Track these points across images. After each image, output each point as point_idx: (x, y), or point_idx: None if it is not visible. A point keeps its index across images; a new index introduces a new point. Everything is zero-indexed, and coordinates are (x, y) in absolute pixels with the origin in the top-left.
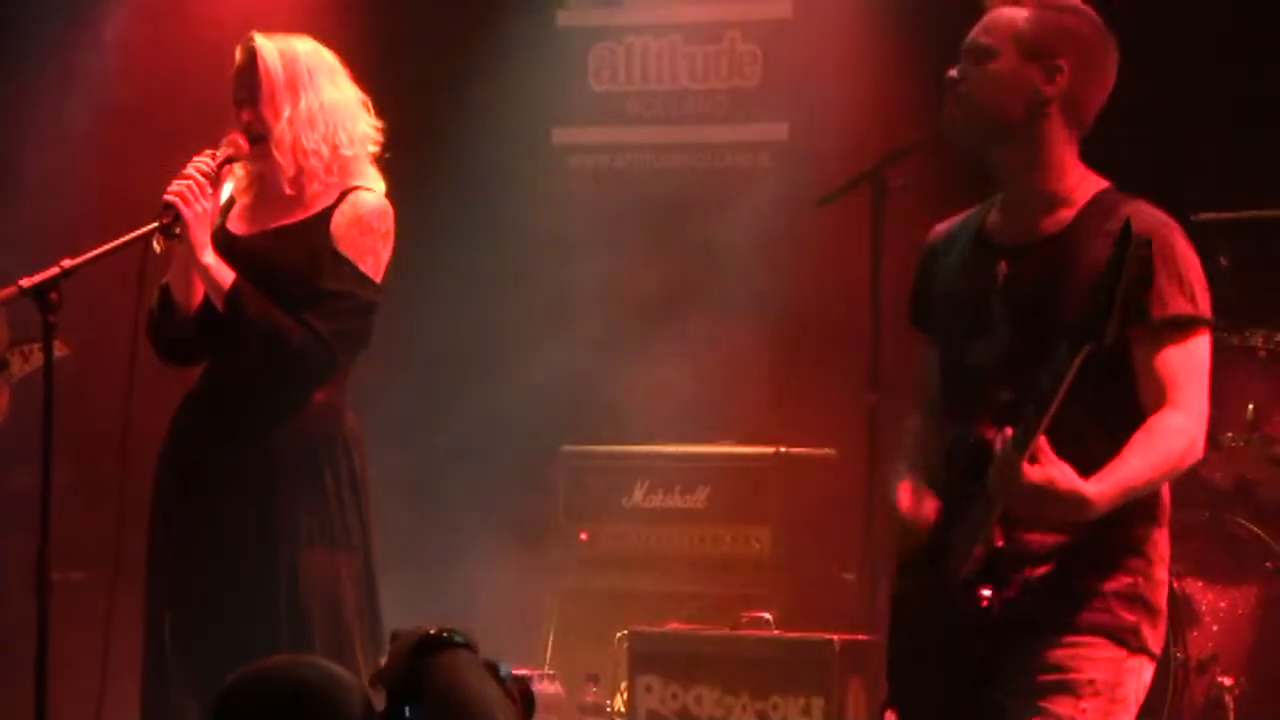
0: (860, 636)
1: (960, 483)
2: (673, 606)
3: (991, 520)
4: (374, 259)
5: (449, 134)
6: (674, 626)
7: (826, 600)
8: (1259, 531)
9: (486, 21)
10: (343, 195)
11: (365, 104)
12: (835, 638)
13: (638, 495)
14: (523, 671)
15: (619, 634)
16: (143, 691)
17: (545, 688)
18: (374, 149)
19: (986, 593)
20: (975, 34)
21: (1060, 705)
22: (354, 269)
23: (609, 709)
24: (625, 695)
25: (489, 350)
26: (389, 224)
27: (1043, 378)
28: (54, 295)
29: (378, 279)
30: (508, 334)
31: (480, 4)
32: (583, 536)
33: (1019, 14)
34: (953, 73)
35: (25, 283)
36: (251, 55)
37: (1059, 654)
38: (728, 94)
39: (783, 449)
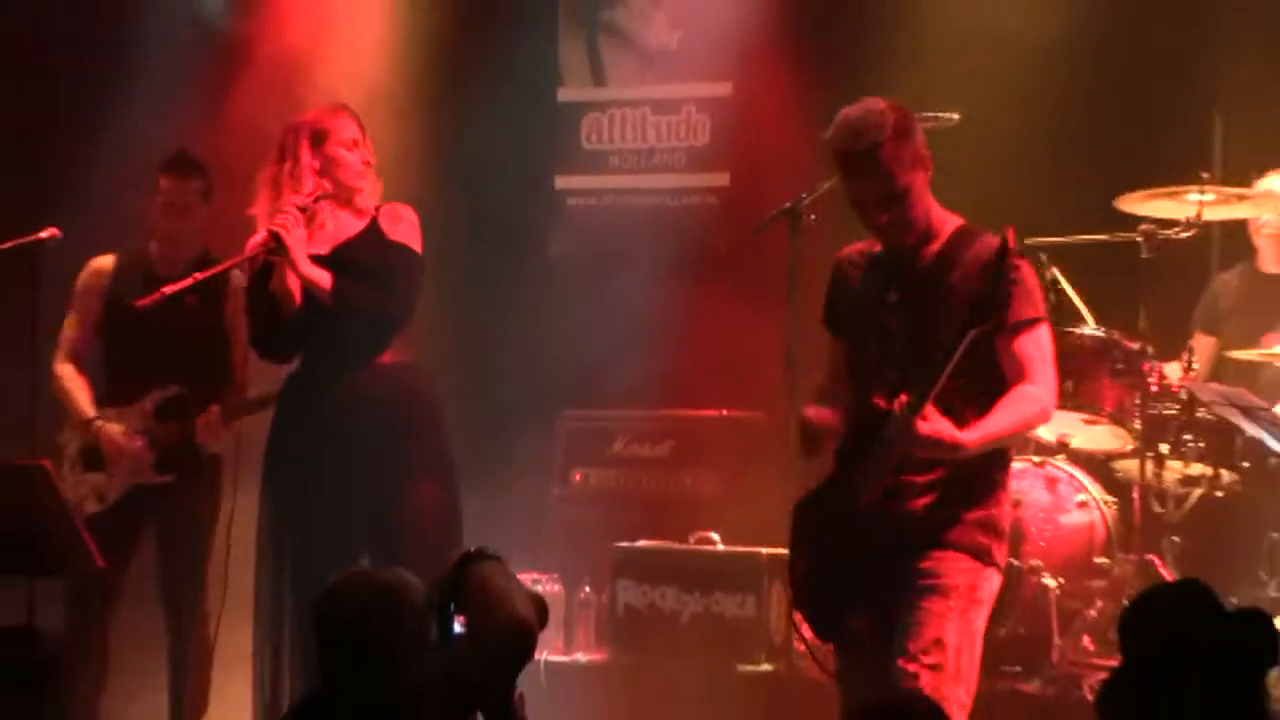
0: (782, 550)
1: (859, 437)
2: (644, 528)
3: (889, 462)
4: (414, 238)
5: (478, 178)
6: (644, 543)
7: (757, 525)
8: (1073, 472)
9: (508, 95)
10: (376, 207)
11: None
12: (763, 551)
13: (618, 446)
14: (534, 575)
15: (611, 548)
16: (257, 605)
17: (550, 588)
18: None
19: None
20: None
21: (933, 603)
22: (401, 246)
23: (597, 603)
24: (610, 593)
25: (512, 339)
26: (413, 215)
27: (934, 358)
28: (191, 299)
29: (419, 248)
30: (524, 327)
31: (503, 83)
32: (577, 477)
33: (885, 113)
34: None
35: (166, 290)
36: (346, 114)
37: (933, 565)
38: (684, 151)
39: (725, 412)
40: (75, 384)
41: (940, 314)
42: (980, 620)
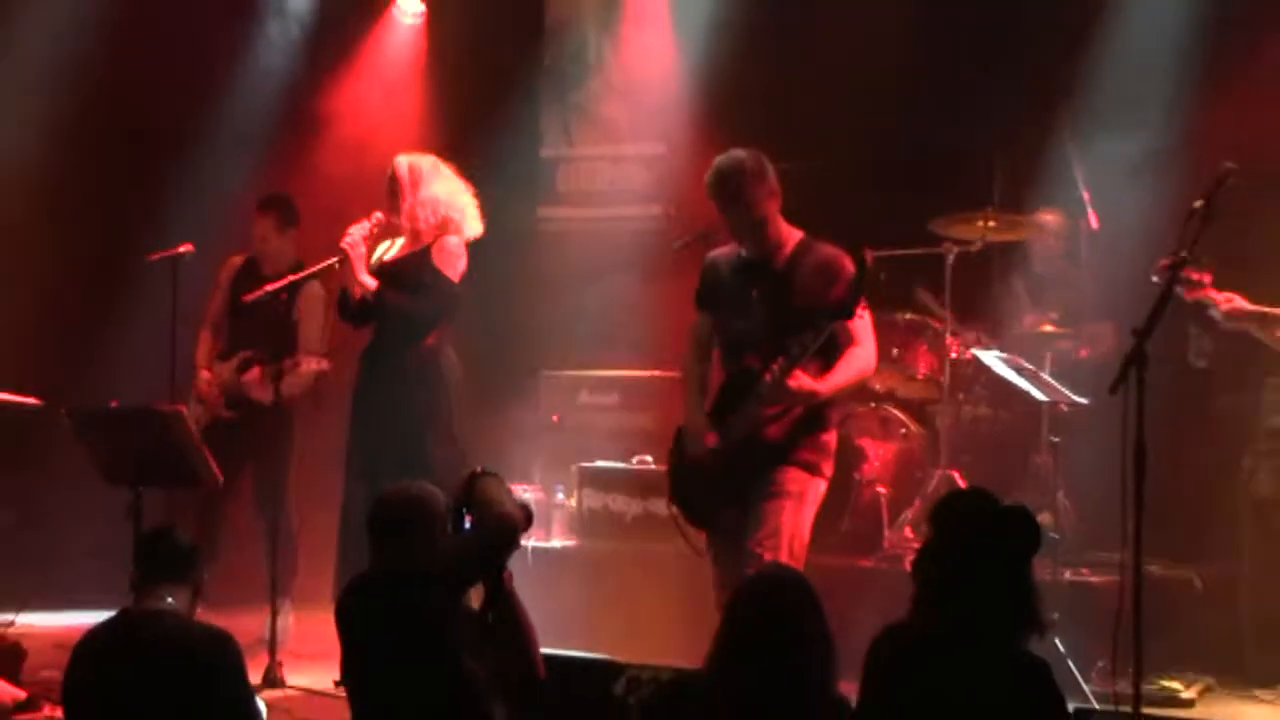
0: None
1: (732, 387)
2: (601, 453)
3: (760, 409)
4: (454, 268)
5: (485, 209)
6: (601, 463)
7: None
8: (898, 413)
9: (506, 151)
10: (436, 239)
11: (468, 189)
12: None
13: (583, 396)
14: (524, 485)
15: (573, 466)
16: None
17: (535, 495)
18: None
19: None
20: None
21: (775, 504)
22: (437, 273)
23: (566, 506)
24: (576, 498)
25: (509, 322)
26: (461, 248)
27: (803, 336)
28: (284, 296)
29: (456, 278)
30: (519, 314)
31: (503, 143)
32: (554, 418)
33: (744, 160)
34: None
35: (268, 288)
36: (392, 170)
37: (777, 476)
38: (629, 191)
39: (656, 372)
40: (204, 343)
41: (789, 301)
42: (809, 516)
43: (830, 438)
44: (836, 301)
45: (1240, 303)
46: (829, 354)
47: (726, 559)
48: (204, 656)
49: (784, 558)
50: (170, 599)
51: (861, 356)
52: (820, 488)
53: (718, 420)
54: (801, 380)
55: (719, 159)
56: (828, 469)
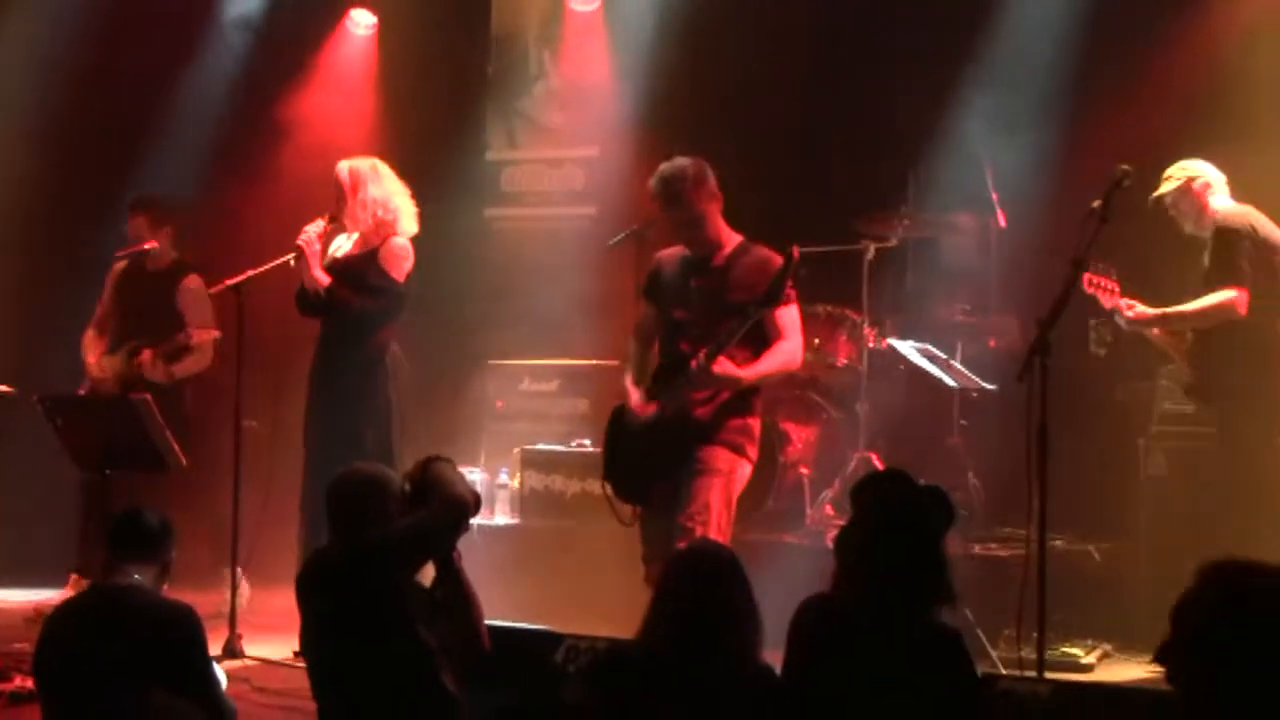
0: None
1: (667, 370)
2: (542, 437)
3: (689, 392)
4: (400, 268)
5: (439, 210)
6: (542, 446)
7: None
8: (819, 399)
9: (455, 155)
10: (384, 240)
11: (405, 189)
12: None
13: (525, 384)
14: (471, 467)
15: (516, 449)
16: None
17: (480, 475)
18: (411, 209)
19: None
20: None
21: (704, 480)
22: (384, 274)
23: (510, 486)
24: (519, 479)
25: (459, 314)
26: (407, 249)
27: (730, 323)
28: (237, 292)
29: (401, 277)
30: (467, 307)
31: (452, 148)
32: (499, 404)
33: (687, 167)
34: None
35: (229, 282)
36: (341, 173)
37: (706, 454)
38: (566, 192)
39: (593, 361)
40: (89, 341)
41: (725, 297)
42: (735, 494)
43: (754, 423)
44: (764, 292)
45: (1142, 309)
46: (759, 345)
47: (655, 533)
48: (167, 629)
49: (713, 532)
50: (137, 575)
51: (786, 349)
52: (745, 469)
53: (653, 398)
54: (725, 366)
55: (664, 165)
56: (752, 452)
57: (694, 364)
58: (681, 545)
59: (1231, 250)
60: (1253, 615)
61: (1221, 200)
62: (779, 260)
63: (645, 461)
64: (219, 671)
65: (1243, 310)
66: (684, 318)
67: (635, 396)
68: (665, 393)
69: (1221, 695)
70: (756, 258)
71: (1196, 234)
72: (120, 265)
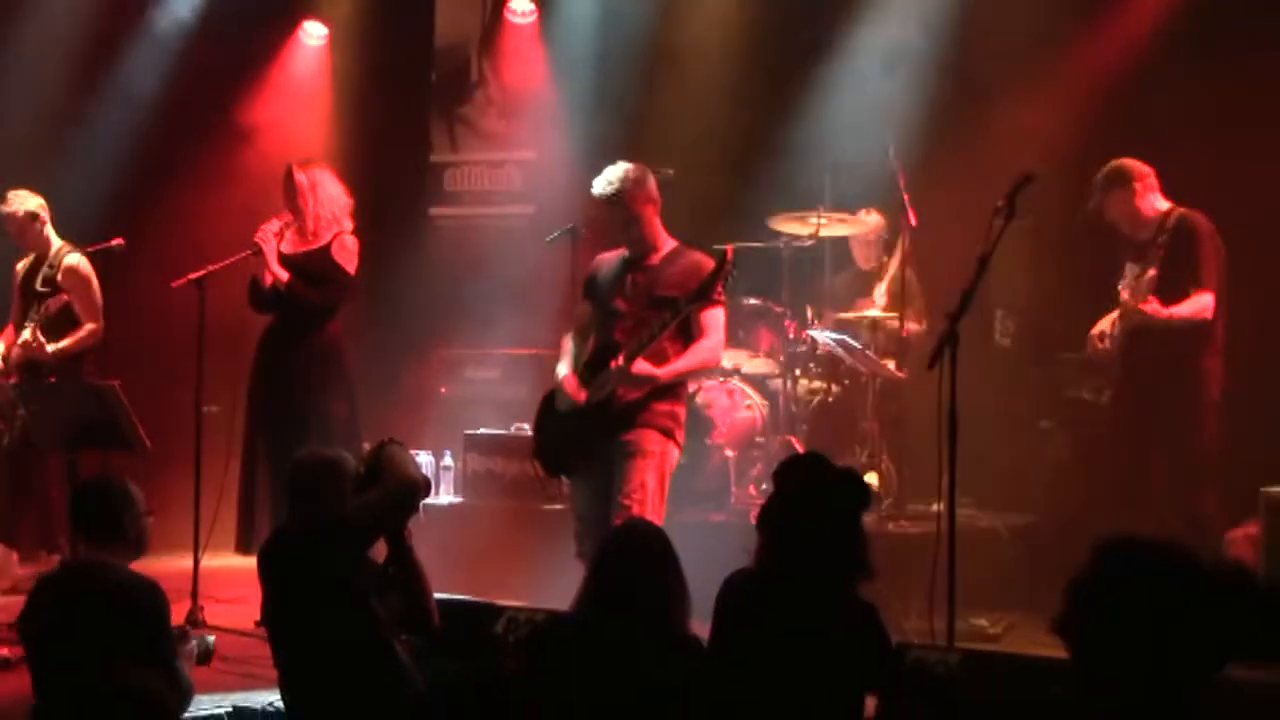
0: None
1: (597, 359)
2: (484, 421)
3: (612, 385)
4: (352, 263)
5: (384, 208)
6: (484, 430)
7: None
8: (743, 386)
9: (400, 157)
10: (334, 235)
11: (346, 191)
12: None
13: (468, 371)
14: (419, 450)
15: (459, 432)
16: (242, 469)
17: (425, 457)
18: (349, 208)
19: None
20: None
21: (638, 462)
22: (340, 268)
23: (454, 468)
24: (462, 461)
25: (405, 306)
26: (355, 245)
27: (654, 321)
28: (199, 286)
29: (352, 271)
30: (413, 299)
31: (397, 149)
32: (443, 390)
33: (628, 171)
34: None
35: (191, 276)
36: (290, 176)
37: (636, 437)
38: (506, 192)
39: (532, 350)
40: (5, 335)
41: (657, 291)
42: (667, 474)
43: (680, 409)
44: (695, 288)
45: (1156, 306)
46: (689, 340)
47: (585, 512)
48: (133, 601)
49: (648, 511)
50: (107, 551)
51: (706, 347)
52: (674, 452)
53: (584, 384)
54: (642, 366)
55: (607, 168)
56: (680, 436)
57: (614, 364)
58: (618, 522)
59: (1204, 251)
60: (1142, 588)
61: (1157, 199)
62: (711, 264)
63: (573, 442)
64: (209, 639)
65: (1212, 315)
66: (620, 308)
67: (571, 382)
68: (594, 381)
69: (1115, 664)
70: (691, 260)
71: (1133, 234)
72: (20, 265)
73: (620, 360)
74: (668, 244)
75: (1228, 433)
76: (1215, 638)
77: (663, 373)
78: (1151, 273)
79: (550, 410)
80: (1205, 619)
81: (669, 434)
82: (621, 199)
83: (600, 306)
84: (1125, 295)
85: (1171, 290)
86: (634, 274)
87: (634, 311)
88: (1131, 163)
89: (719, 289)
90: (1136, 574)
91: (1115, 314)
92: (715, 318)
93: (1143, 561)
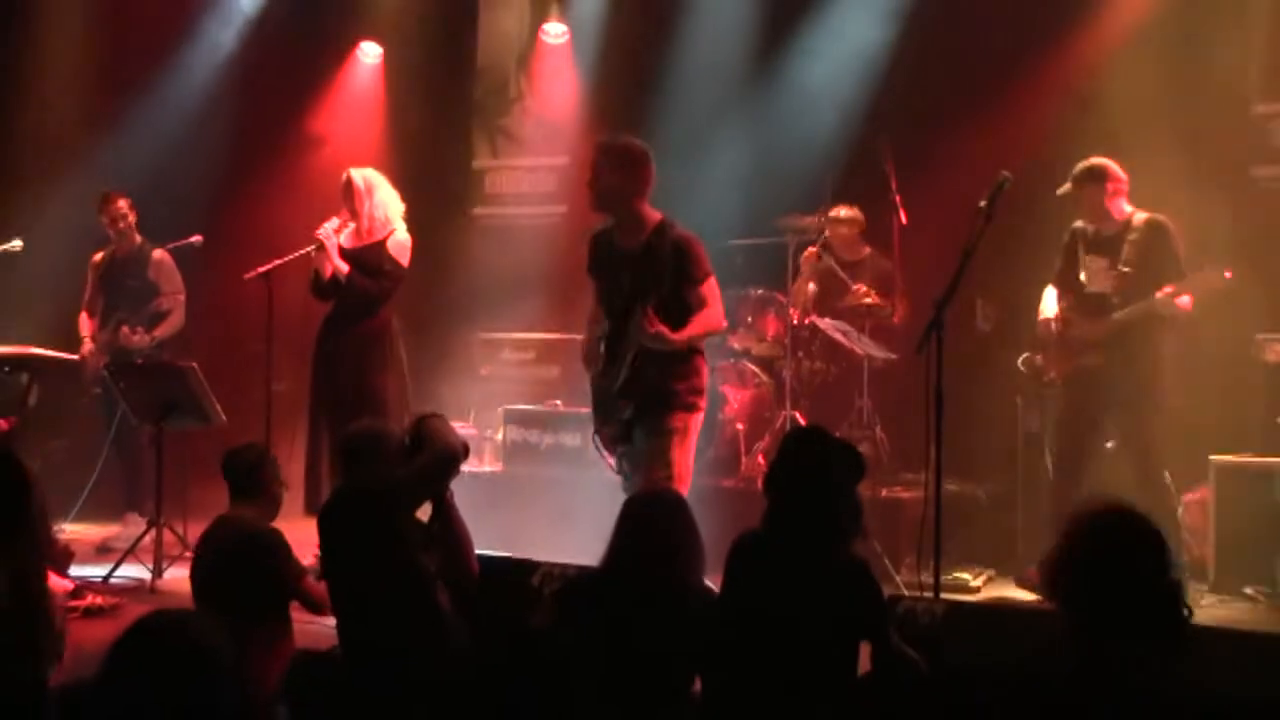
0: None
1: (611, 339)
2: (521, 398)
3: (631, 353)
4: (405, 258)
5: (432, 210)
6: (521, 406)
7: (581, 396)
8: (754, 369)
9: (446, 163)
10: (388, 232)
11: (398, 194)
12: (584, 409)
13: (506, 353)
14: (462, 423)
15: (499, 408)
16: (306, 440)
17: (470, 431)
18: (403, 210)
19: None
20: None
21: (666, 438)
22: (394, 262)
23: (496, 438)
24: (502, 433)
25: (450, 295)
26: (409, 241)
27: (658, 290)
28: (266, 278)
29: (405, 264)
30: (456, 289)
31: (444, 157)
32: (484, 371)
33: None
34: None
35: (258, 270)
36: (348, 180)
37: (663, 419)
38: (541, 194)
39: (563, 335)
40: (82, 322)
41: (651, 269)
42: (693, 444)
43: (700, 381)
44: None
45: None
46: (687, 314)
47: (634, 480)
48: (261, 550)
49: (677, 481)
50: (246, 507)
51: (709, 314)
52: (699, 419)
53: (607, 365)
54: (659, 327)
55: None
56: (702, 403)
57: (635, 328)
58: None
59: (1180, 251)
60: (1109, 549)
61: (1124, 202)
62: (694, 239)
63: (615, 421)
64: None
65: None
66: (620, 288)
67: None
68: (615, 360)
69: (1089, 614)
70: (675, 235)
71: (1097, 227)
72: (98, 256)
73: (642, 325)
74: (653, 219)
75: (1182, 405)
76: (1171, 595)
77: (679, 336)
78: (1126, 269)
79: (599, 390)
80: (1163, 578)
81: (692, 407)
82: (612, 166)
83: (601, 286)
84: (1102, 287)
85: (1145, 284)
86: (627, 253)
87: (631, 290)
88: (1110, 164)
89: (704, 264)
90: (1105, 537)
91: (1056, 298)
92: (711, 287)
93: (1109, 527)
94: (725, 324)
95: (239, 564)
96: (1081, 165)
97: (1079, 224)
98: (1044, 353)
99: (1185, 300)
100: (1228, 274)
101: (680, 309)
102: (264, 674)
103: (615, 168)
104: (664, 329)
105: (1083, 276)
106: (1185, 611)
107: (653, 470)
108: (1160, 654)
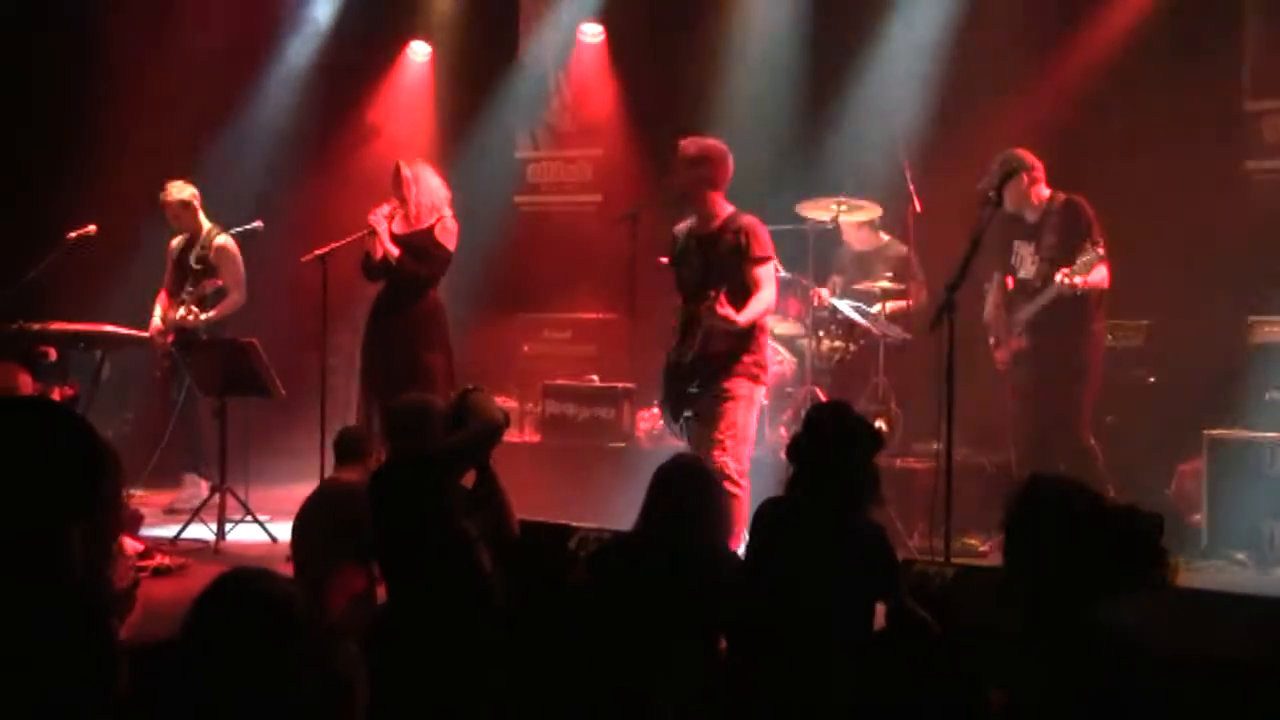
0: (630, 385)
1: (683, 321)
2: (559, 373)
3: (701, 331)
4: (451, 243)
5: (477, 196)
6: (560, 381)
7: (616, 373)
8: (776, 345)
9: (490, 153)
10: (436, 219)
11: (444, 182)
12: (619, 385)
13: (545, 333)
14: (503, 397)
15: (539, 383)
16: (358, 412)
17: (510, 404)
18: (448, 197)
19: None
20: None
21: (730, 405)
22: (442, 246)
23: (535, 411)
24: (541, 406)
25: (492, 277)
26: (455, 227)
27: (726, 277)
28: (323, 261)
29: (451, 248)
30: (498, 271)
31: (488, 147)
32: (525, 348)
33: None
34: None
35: (314, 253)
36: (398, 170)
37: (730, 384)
38: (578, 183)
39: (599, 315)
40: (160, 300)
41: (721, 255)
42: (755, 413)
43: (762, 355)
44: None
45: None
46: (748, 295)
47: (695, 447)
48: (360, 502)
49: (738, 445)
50: (349, 472)
51: (763, 298)
52: (760, 391)
53: (679, 340)
54: (726, 310)
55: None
56: (764, 378)
57: (704, 309)
58: (713, 455)
59: (1088, 224)
60: (1050, 517)
61: (1043, 187)
62: (756, 223)
63: (683, 392)
64: None
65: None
66: (692, 275)
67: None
68: (688, 338)
69: (1032, 577)
70: (740, 222)
71: (1020, 214)
72: (174, 241)
73: (711, 305)
74: (725, 210)
75: (1176, 381)
76: (1110, 560)
77: (741, 317)
78: (1047, 254)
79: (667, 369)
80: (1100, 545)
81: (756, 377)
82: (693, 167)
83: (679, 273)
84: (1029, 273)
85: (1068, 261)
86: (700, 241)
87: (703, 276)
88: (1025, 153)
89: (765, 250)
90: (1046, 507)
91: (998, 285)
92: (766, 272)
93: (1051, 497)
94: (775, 305)
95: (334, 514)
96: (997, 160)
97: (1008, 211)
98: (994, 339)
99: (1082, 280)
100: (1100, 249)
101: (745, 291)
102: (346, 618)
103: (692, 165)
104: (730, 311)
105: (1013, 262)
106: (1142, 572)
107: (717, 430)
108: (1113, 610)
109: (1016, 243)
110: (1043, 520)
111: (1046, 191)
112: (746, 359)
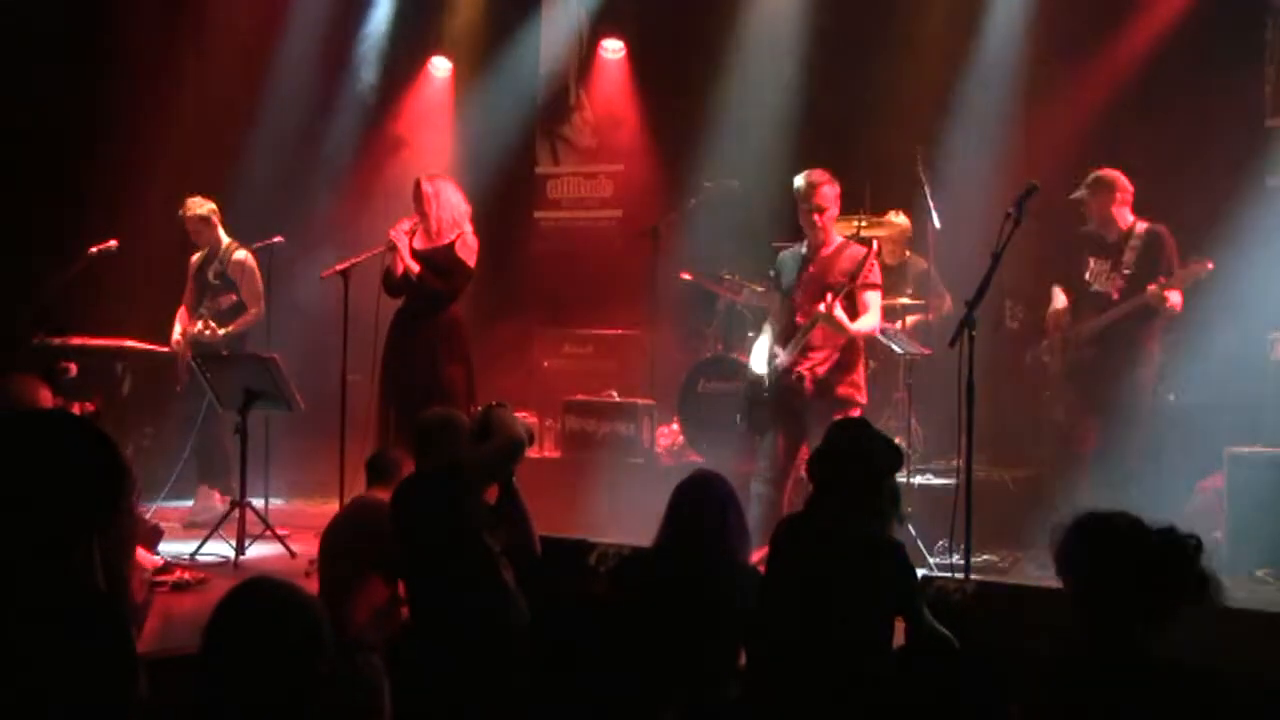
0: (649, 401)
1: (784, 335)
2: (579, 389)
3: (800, 348)
4: (471, 259)
5: (496, 212)
6: (580, 396)
7: (635, 388)
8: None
9: (510, 170)
10: (457, 235)
11: (465, 198)
12: (639, 401)
13: (566, 348)
14: (525, 413)
15: (559, 398)
16: (378, 426)
17: (532, 419)
18: (469, 212)
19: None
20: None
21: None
22: (462, 262)
23: (556, 427)
24: (562, 422)
25: (512, 292)
26: (476, 242)
27: (828, 294)
28: (344, 275)
29: (472, 264)
30: (519, 286)
31: (508, 164)
32: (545, 364)
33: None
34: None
35: (335, 268)
36: (418, 186)
37: (827, 407)
38: (598, 198)
39: (619, 330)
40: (180, 315)
41: (829, 278)
42: None
43: (859, 377)
44: (849, 273)
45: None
46: (852, 317)
47: (776, 459)
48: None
49: None
50: (382, 492)
51: (867, 320)
52: (857, 411)
53: (772, 358)
54: (839, 314)
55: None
56: (861, 397)
57: (819, 308)
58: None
59: (1172, 254)
60: (1103, 548)
61: (1128, 211)
62: (870, 251)
63: (778, 404)
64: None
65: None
66: (792, 290)
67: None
68: (788, 350)
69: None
70: (850, 251)
71: (1103, 233)
72: (195, 256)
73: (826, 306)
74: (836, 236)
75: (1196, 398)
76: (1159, 586)
77: (849, 327)
78: (1128, 272)
79: (749, 381)
80: (1150, 573)
81: (853, 400)
82: (810, 198)
83: (785, 292)
84: (1104, 288)
85: (1143, 287)
86: (808, 265)
87: (811, 294)
88: (1119, 175)
89: (871, 273)
90: (1098, 543)
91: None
92: (873, 299)
93: (1105, 529)
94: (876, 331)
95: (366, 530)
96: (1093, 174)
97: (1086, 228)
98: (1049, 343)
99: (1176, 298)
100: (1209, 265)
101: (850, 312)
102: (369, 631)
103: (834, 201)
104: (843, 315)
105: (1087, 276)
106: (1193, 593)
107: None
108: (1159, 630)
109: (1091, 258)
110: (1099, 552)
111: (1131, 217)
112: (847, 378)
